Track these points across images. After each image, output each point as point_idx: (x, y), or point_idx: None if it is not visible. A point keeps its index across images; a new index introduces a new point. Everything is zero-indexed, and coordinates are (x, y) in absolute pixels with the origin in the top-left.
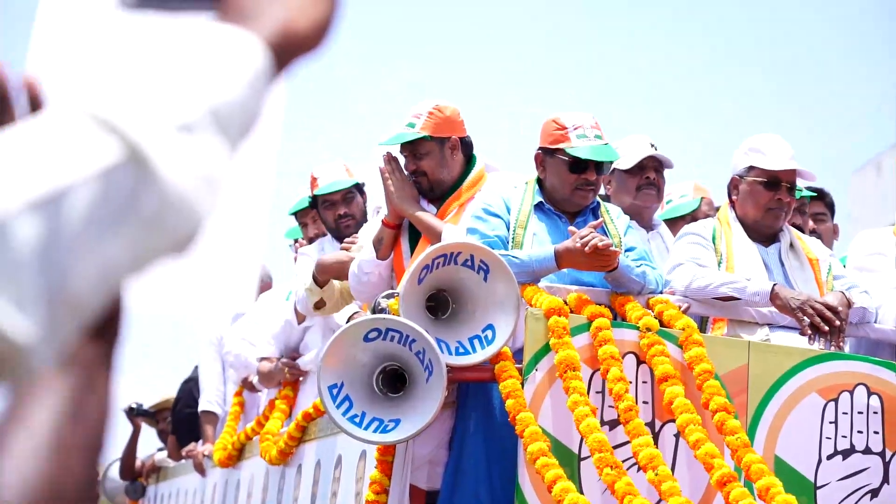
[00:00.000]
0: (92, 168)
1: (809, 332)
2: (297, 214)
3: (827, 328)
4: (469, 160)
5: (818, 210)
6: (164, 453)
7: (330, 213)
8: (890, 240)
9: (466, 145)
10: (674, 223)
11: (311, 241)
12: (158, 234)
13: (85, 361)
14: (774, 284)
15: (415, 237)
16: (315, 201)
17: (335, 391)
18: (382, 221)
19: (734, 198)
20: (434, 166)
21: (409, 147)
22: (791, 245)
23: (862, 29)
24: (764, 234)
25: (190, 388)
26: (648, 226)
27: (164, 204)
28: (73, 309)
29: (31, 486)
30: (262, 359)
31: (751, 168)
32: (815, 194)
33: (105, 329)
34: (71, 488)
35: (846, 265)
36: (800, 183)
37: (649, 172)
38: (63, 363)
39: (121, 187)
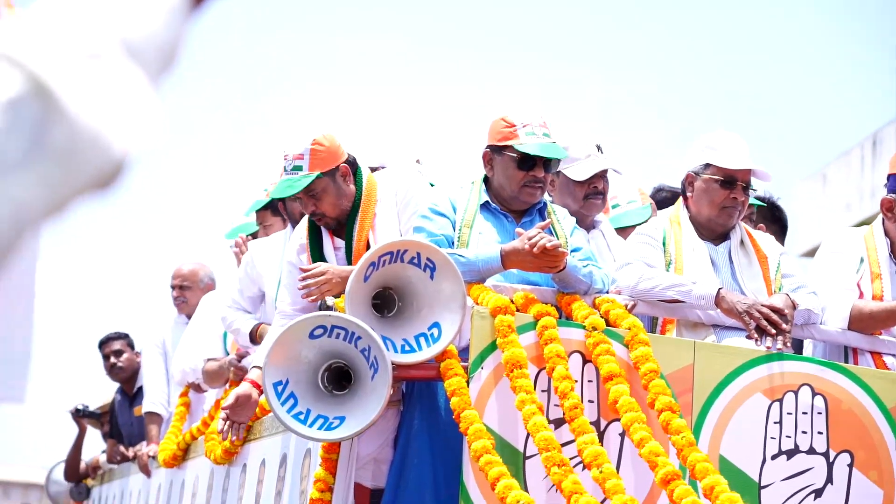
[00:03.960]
0: None
1: (756, 335)
2: (258, 216)
3: (774, 331)
4: (356, 173)
5: (769, 228)
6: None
7: (297, 206)
8: (857, 241)
9: (352, 164)
10: (624, 231)
11: None
12: (74, 169)
13: None
14: (720, 289)
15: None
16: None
17: (280, 388)
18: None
19: (688, 195)
20: (333, 202)
21: (305, 191)
22: (741, 242)
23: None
24: (715, 233)
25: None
26: (589, 227)
27: (76, 137)
28: None
29: None
30: (209, 359)
31: (707, 165)
32: (764, 204)
33: None
34: None
35: (814, 261)
36: (755, 183)
37: (597, 182)
38: None
39: (26, 121)
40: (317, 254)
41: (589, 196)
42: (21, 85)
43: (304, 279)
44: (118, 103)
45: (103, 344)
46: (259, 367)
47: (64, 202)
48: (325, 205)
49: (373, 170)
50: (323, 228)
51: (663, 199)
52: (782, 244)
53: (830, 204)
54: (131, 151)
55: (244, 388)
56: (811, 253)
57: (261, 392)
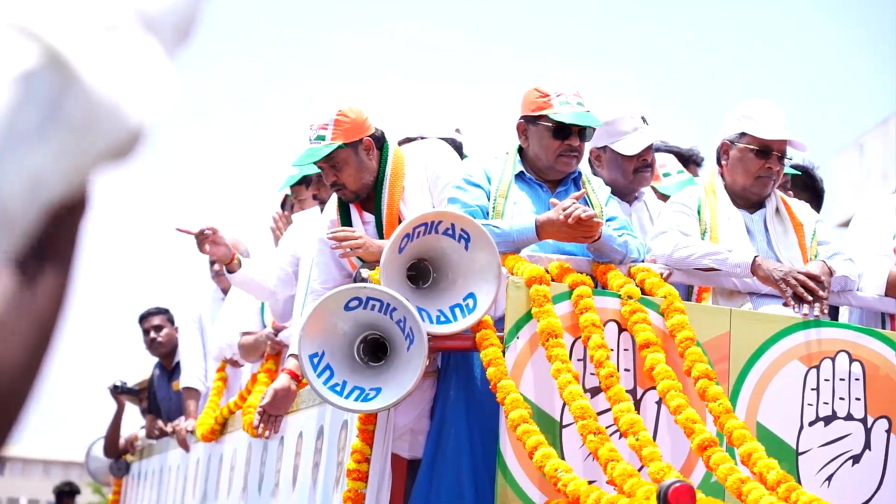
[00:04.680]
0: (8, 74)
1: (793, 302)
2: (292, 191)
3: (810, 298)
4: (382, 149)
5: (804, 196)
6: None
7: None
8: (893, 207)
9: (378, 139)
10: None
11: None
12: (91, 140)
13: (32, 249)
14: (756, 256)
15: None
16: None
17: (316, 360)
18: None
19: (723, 163)
20: (354, 174)
21: (326, 160)
22: (777, 210)
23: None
24: (750, 201)
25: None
26: (632, 200)
27: (92, 108)
28: (3, 222)
29: None
30: (245, 333)
31: (742, 135)
32: (799, 173)
33: (58, 217)
34: (7, 370)
35: (850, 227)
36: (791, 152)
37: (646, 155)
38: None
39: (42, 93)
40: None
41: (638, 170)
42: (36, 57)
43: (335, 233)
44: (134, 75)
45: (143, 319)
46: (296, 356)
47: (81, 173)
48: (346, 176)
49: (410, 140)
50: (351, 205)
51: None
52: (818, 213)
53: (867, 174)
54: (148, 122)
55: (282, 381)
56: (847, 224)
57: (298, 381)
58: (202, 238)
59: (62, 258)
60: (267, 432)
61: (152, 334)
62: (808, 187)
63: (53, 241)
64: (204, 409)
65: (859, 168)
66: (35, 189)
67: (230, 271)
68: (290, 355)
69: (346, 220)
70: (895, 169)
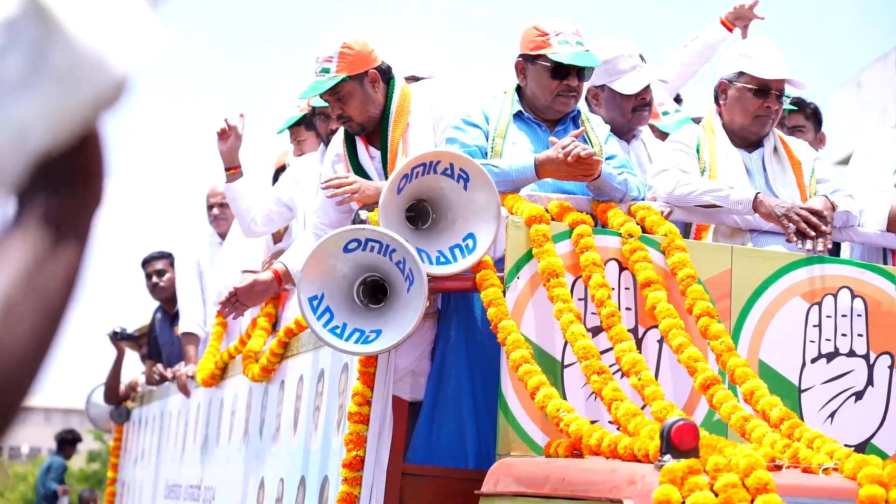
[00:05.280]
0: None
1: (795, 238)
2: (291, 132)
3: (813, 233)
4: (389, 83)
5: (797, 123)
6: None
7: (323, 126)
8: (892, 142)
9: (384, 72)
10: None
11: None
12: (76, 90)
13: (48, 225)
14: (757, 193)
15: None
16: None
17: (315, 303)
18: None
19: (721, 102)
20: (359, 106)
21: (331, 93)
22: (775, 150)
23: None
24: (748, 141)
25: (156, 315)
26: (630, 138)
27: (76, 58)
28: None
29: None
30: (245, 271)
31: (740, 74)
32: (795, 108)
33: (75, 191)
34: (14, 356)
35: (850, 163)
36: (789, 91)
37: (645, 94)
38: (22, 226)
39: (25, 42)
40: (354, 163)
41: (637, 109)
42: (18, 5)
43: (329, 182)
44: (117, 24)
45: (146, 263)
46: (284, 264)
47: (66, 124)
48: (351, 108)
49: (418, 79)
50: (357, 138)
51: None
52: (818, 137)
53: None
54: (133, 72)
55: (265, 276)
56: (847, 160)
57: (280, 283)
58: (225, 133)
59: (79, 236)
60: (231, 317)
61: (155, 279)
62: (808, 115)
63: (72, 215)
64: (204, 355)
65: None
66: (21, 139)
67: (229, 179)
68: (281, 261)
69: (352, 153)
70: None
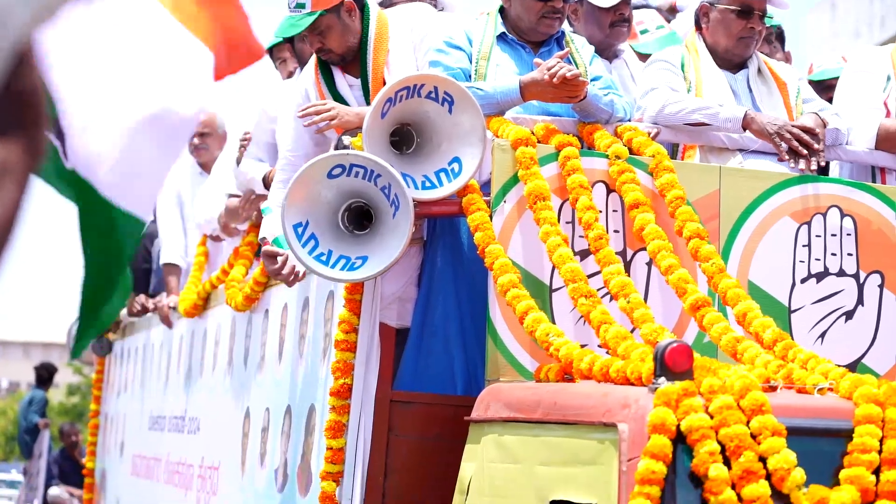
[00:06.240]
0: None
1: (787, 157)
2: (273, 51)
3: (805, 151)
4: (363, 10)
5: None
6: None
7: (305, 47)
8: (883, 59)
9: (358, 0)
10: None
11: (289, 76)
12: None
13: None
14: (747, 111)
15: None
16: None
17: (300, 230)
18: None
19: (704, 26)
20: (338, 38)
21: (310, 28)
22: (759, 71)
23: None
24: (732, 63)
25: (143, 244)
26: (612, 56)
27: None
28: None
29: None
30: (231, 195)
31: None
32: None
33: (21, 125)
34: None
35: (840, 81)
36: (771, 10)
37: (623, 9)
38: None
39: None
40: (333, 91)
41: (615, 24)
42: None
43: (306, 109)
44: None
45: None
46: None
47: (49, 8)
48: (331, 41)
49: (391, 4)
50: (333, 67)
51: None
52: (785, 56)
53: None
54: None
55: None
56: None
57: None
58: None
59: (18, 184)
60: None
61: None
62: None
63: (13, 164)
64: (186, 285)
65: (831, 25)
66: (3, 25)
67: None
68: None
69: (330, 83)
70: (867, 27)
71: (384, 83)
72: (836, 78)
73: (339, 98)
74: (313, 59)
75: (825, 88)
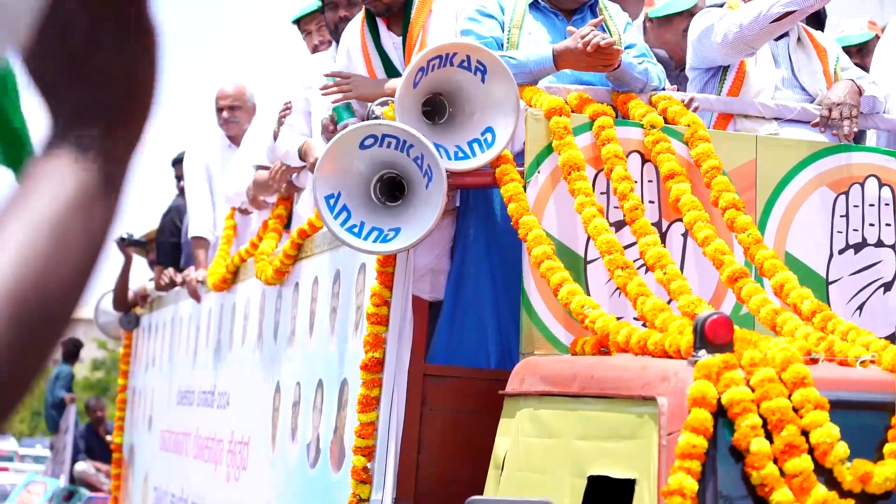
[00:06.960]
0: None
1: (824, 127)
2: (300, 22)
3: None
4: None
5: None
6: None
7: (332, 16)
8: None
9: None
10: (670, 19)
11: (314, 50)
12: None
13: (103, 158)
14: None
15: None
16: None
17: (332, 201)
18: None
19: None
20: None
21: None
22: (798, 39)
23: None
24: None
25: (171, 218)
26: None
27: None
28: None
29: (19, 269)
30: (259, 167)
31: None
32: None
33: (128, 124)
34: (58, 283)
35: (877, 48)
36: None
37: None
38: (78, 154)
39: None
40: (379, 48)
41: None
42: None
43: (333, 74)
44: None
45: (177, 163)
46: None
47: None
48: None
49: None
50: (379, 22)
51: None
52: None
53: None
54: None
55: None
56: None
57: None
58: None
59: (121, 186)
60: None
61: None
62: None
63: (121, 166)
64: (214, 259)
65: None
66: (3, 14)
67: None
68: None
69: (375, 37)
70: None
71: (420, 44)
72: (860, 44)
73: (384, 56)
74: (360, 16)
75: (849, 54)
